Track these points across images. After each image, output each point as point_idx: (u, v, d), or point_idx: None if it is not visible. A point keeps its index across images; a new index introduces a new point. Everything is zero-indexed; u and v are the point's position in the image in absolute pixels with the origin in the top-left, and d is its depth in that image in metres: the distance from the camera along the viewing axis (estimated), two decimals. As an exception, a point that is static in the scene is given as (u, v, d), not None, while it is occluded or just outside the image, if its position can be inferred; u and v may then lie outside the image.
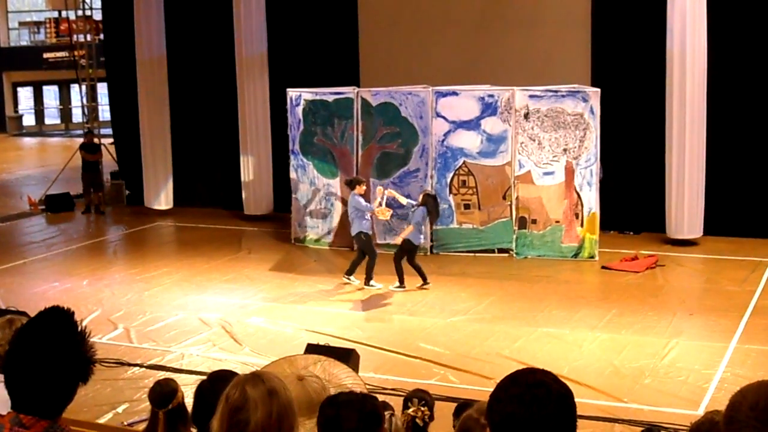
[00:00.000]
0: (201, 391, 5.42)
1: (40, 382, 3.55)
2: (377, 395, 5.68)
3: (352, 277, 17.46)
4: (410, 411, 6.59)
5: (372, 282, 17.27)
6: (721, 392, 11.71)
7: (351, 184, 17.78)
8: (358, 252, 17.76)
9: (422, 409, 6.67)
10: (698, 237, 19.81)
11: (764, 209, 19.96)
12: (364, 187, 17.86)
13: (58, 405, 3.62)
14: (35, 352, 3.57)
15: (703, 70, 19.43)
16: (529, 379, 3.10)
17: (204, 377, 5.69)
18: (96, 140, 26.65)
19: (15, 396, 3.60)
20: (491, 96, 19.41)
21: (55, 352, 3.57)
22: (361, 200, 17.50)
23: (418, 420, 6.53)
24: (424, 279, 17.18)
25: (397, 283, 17.13)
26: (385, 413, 5.09)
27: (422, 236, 17.65)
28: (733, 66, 20.00)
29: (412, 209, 17.36)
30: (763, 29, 19.81)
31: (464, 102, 19.56)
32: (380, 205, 17.85)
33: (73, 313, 3.73)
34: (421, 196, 17.63)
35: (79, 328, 3.67)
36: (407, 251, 17.16)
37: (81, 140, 27.69)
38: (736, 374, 12.47)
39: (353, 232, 17.69)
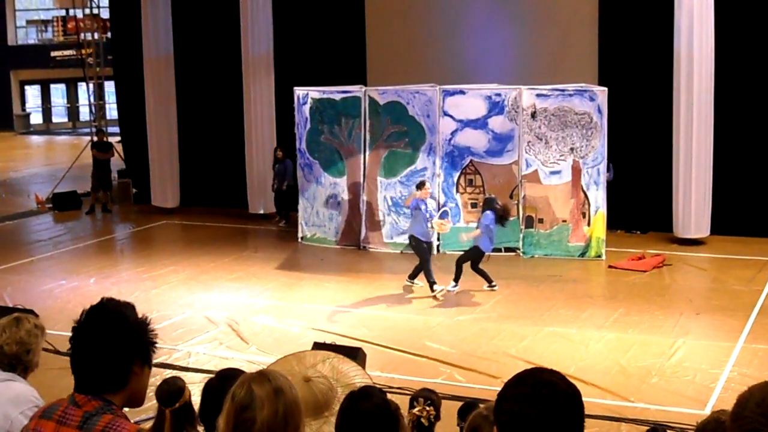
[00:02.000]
0: (209, 389, 5.43)
1: (95, 362, 3.86)
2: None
3: (415, 281, 17.15)
4: (416, 410, 6.58)
5: (435, 287, 16.60)
6: (728, 392, 11.70)
7: (416, 186, 17.38)
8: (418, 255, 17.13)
9: (428, 408, 6.65)
10: (705, 236, 19.79)
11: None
12: (429, 190, 17.38)
13: (114, 383, 3.90)
14: (95, 333, 3.90)
15: (710, 70, 19.41)
16: (537, 378, 3.10)
17: (211, 375, 5.70)
18: (106, 139, 26.68)
19: (76, 375, 3.92)
20: (498, 95, 19.41)
21: (112, 333, 3.90)
22: (422, 205, 16.87)
23: (423, 420, 6.52)
24: (489, 281, 17.06)
25: (453, 283, 17.00)
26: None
27: (492, 243, 17.15)
28: (740, 65, 19.98)
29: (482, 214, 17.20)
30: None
31: (471, 101, 19.56)
32: (441, 217, 17.46)
33: (131, 305, 4.11)
34: (483, 202, 17.56)
35: (139, 315, 4.05)
36: (473, 257, 17.01)
37: (88, 138, 27.72)
38: (742, 374, 12.46)
39: (408, 232, 17.55)
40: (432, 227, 17.12)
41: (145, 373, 3.99)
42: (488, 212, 16.92)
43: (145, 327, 4.02)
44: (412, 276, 17.20)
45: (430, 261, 16.90)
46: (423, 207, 16.87)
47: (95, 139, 26.85)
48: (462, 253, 17.39)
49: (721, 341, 13.93)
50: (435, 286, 16.57)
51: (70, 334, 3.96)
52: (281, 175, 22.50)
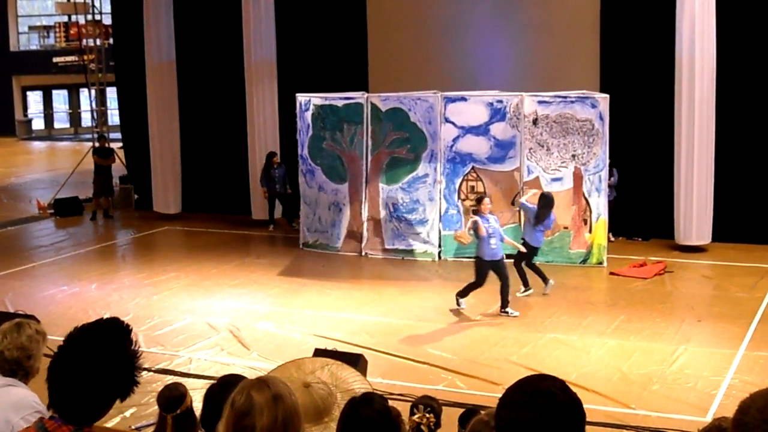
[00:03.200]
0: (210, 395, 5.43)
1: (79, 391, 3.66)
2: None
3: (461, 301, 16.31)
4: (416, 417, 6.58)
5: (460, 301, 16.22)
6: (729, 399, 11.69)
7: (476, 201, 16.95)
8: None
9: (428, 416, 6.65)
10: (707, 243, 19.78)
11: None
12: (488, 205, 16.33)
13: (91, 415, 3.74)
14: (84, 361, 3.69)
15: (712, 77, 19.42)
16: (537, 386, 3.11)
17: (212, 381, 5.70)
18: (108, 145, 26.71)
19: (52, 396, 3.72)
20: (500, 102, 19.41)
21: (103, 365, 3.69)
22: (484, 222, 15.84)
23: (423, 427, 6.52)
24: (526, 284, 17.11)
25: (522, 288, 16.99)
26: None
27: (542, 237, 17.22)
28: (742, 72, 19.98)
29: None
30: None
31: (473, 107, 19.56)
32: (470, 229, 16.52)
33: (130, 329, 3.86)
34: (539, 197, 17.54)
35: (132, 346, 3.78)
36: (525, 254, 16.98)
37: (90, 144, 27.72)
38: (744, 381, 12.44)
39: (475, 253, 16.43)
40: (456, 237, 16.95)
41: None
42: (532, 208, 17.20)
43: (136, 362, 3.83)
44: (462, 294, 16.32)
45: (480, 285, 16.04)
46: (485, 225, 15.89)
47: (97, 145, 26.84)
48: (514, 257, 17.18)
49: (723, 348, 13.92)
50: (460, 301, 16.18)
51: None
52: (282, 180, 22.52)
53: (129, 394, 3.80)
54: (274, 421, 3.69)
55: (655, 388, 12.43)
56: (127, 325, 3.87)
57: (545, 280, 17.07)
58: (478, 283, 16.02)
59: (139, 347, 3.82)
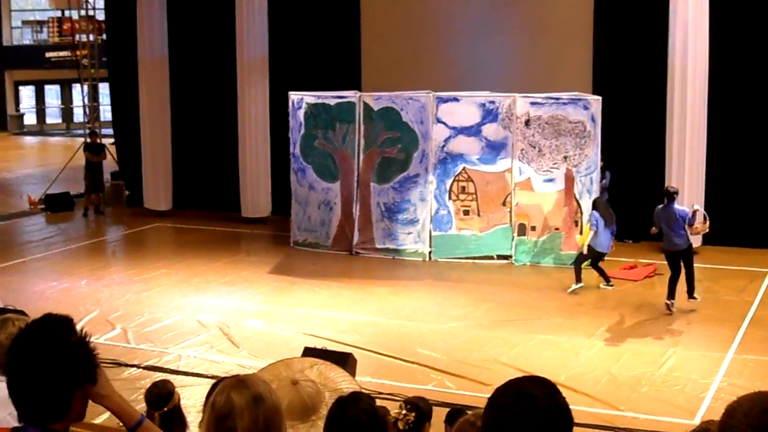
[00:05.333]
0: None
1: (34, 390, 3.55)
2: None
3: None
4: (394, 412, 6.57)
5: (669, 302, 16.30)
6: (718, 402, 11.70)
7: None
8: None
9: (407, 413, 6.65)
10: (697, 246, 19.77)
11: (763, 219, 19.96)
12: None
13: (56, 411, 3.62)
14: (28, 362, 3.57)
15: (704, 80, 19.45)
16: (521, 389, 3.11)
17: (201, 379, 5.69)
18: (99, 140, 26.68)
19: (15, 403, 3.62)
20: (492, 102, 19.42)
21: (47, 359, 3.56)
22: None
23: (400, 423, 6.50)
24: (607, 280, 17.46)
25: (575, 285, 17.25)
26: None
27: (608, 242, 17.41)
28: (734, 76, 20.01)
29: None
30: (765, 41, 19.82)
31: (465, 108, 19.56)
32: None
33: (68, 319, 3.71)
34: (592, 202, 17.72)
35: (76, 334, 3.67)
36: (591, 257, 17.35)
37: (82, 140, 27.66)
38: (733, 384, 12.47)
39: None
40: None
41: (87, 395, 3.68)
42: (594, 212, 17.28)
43: (86, 345, 3.67)
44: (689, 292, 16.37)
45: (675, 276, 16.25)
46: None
47: (88, 140, 26.79)
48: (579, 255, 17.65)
49: (712, 351, 13.95)
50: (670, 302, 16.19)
51: None
52: None
53: (93, 380, 3.67)
54: (254, 422, 3.68)
55: (644, 390, 12.46)
56: (66, 316, 3.77)
57: (608, 281, 17.44)
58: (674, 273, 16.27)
59: (86, 335, 3.70)
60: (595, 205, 17.56)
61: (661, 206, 16.40)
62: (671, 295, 16.09)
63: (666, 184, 17.63)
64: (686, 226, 16.07)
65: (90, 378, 3.65)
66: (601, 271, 17.48)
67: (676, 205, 16.20)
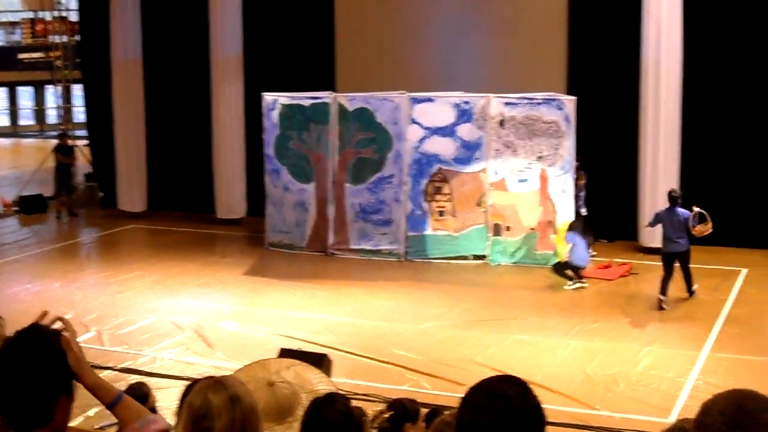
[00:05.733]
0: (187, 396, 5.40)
1: (19, 396, 3.59)
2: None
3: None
4: (371, 411, 6.58)
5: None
6: (693, 400, 11.74)
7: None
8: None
9: (383, 411, 6.66)
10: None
11: (737, 218, 20.02)
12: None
13: (39, 417, 3.63)
14: (14, 368, 3.61)
15: (678, 80, 19.53)
16: (493, 389, 3.12)
17: (177, 381, 5.67)
18: (70, 142, 26.55)
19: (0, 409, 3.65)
20: (467, 103, 19.43)
21: (33, 367, 3.61)
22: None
23: (375, 422, 6.51)
24: (569, 279, 17.71)
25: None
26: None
27: (585, 255, 17.81)
28: (707, 75, 20.07)
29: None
30: (738, 39, 19.91)
31: (439, 108, 19.57)
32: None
33: (54, 332, 3.80)
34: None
35: (61, 345, 3.73)
36: (568, 267, 17.76)
37: (56, 142, 27.51)
38: (707, 382, 12.52)
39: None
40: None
41: (69, 404, 3.74)
42: (569, 233, 17.83)
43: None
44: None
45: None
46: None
47: (58, 142, 26.63)
48: None
49: (687, 350, 14.01)
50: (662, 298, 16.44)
51: None
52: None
53: (73, 388, 3.71)
54: (231, 423, 3.68)
55: (619, 390, 12.50)
56: (54, 330, 3.81)
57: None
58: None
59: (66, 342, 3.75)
60: (571, 227, 17.91)
61: (664, 209, 16.76)
62: (664, 292, 16.29)
63: (670, 188, 17.50)
64: (689, 228, 16.25)
65: (69, 387, 3.70)
66: (563, 274, 17.67)
67: (679, 209, 16.40)
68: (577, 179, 19.36)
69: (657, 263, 18.94)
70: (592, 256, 18.53)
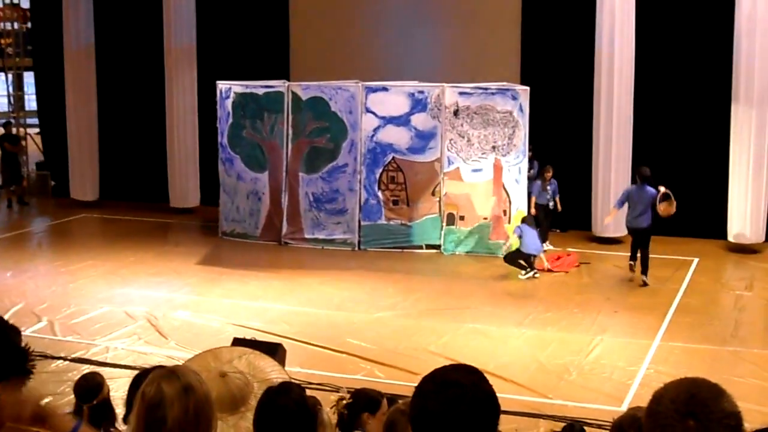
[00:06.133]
0: (136, 385, 5.39)
1: None
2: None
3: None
4: (332, 397, 6.60)
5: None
6: (645, 389, 11.83)
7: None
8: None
9: (342, 398, 6.68)
10: (623, 236, 19.97)
11: (689, 208, 20.16)
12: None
13: None
14: None
15: (631, 70, 19.66)
16: (446, 377, 3.13)
17: (130, 370, 5.66)
18: (16, 131, 26.31)
19: None
20: (421, 92, 19.44)
21: None
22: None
23: (332, 409, 6.52)
24: (523, 268, 17.81)
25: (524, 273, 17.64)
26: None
27: (535, 244, 17.88)
28: (660, 66, 20.21)
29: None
30: (690, 31, 20.05)
31: (394, 98, 19.57)
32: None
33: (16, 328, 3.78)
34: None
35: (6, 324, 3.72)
36: (520, 256, 17.87)
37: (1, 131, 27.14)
38: (659, 371, 12.62)
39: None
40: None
41: (14, 392, 3.71)
42: (520, 225, 18.00)
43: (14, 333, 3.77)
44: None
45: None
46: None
47: (2, 131, 26.31)
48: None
49: (639, 339, 14.11)
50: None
51: None
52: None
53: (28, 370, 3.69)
54: (185, 412, 3.67)
55: (572, 378, 12.57)
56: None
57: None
58: None
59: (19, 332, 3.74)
60: (524, 220, 18.18)
61: (634, 186, 17.38)
62: (633, 257, 17.32)
63: (640, 166, 17.77)
64: (655, 206, 16.77)
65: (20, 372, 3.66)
66: (517, 263, 17.77)
67: (648, 187, 16.95)
68: (544, 172, 19.52)
69: (609, 253, 19.22)
70: (545, 250, 18.56)
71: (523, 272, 17.62)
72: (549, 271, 18.08)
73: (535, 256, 17.75)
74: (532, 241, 17.68)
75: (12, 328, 3.82)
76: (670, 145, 20.33)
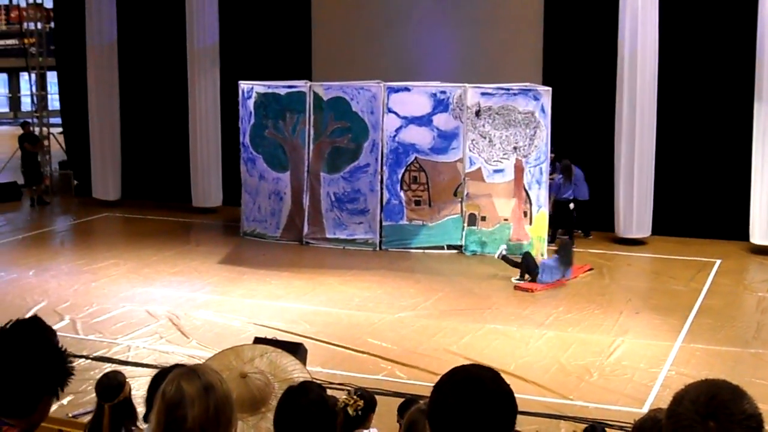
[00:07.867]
0: (156, 383, 5.40)
1: (10, 382, 3.57)
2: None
3: None
4: (343, 398, 6.59)
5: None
6: (666, 390, 11.78)
7: None
8: None
9: (356, 400, 6.67)
10: (646, 236, 19.96)
11: (711, 210, 20.14)
12: None
13: (22, 408, 3.61)
14: (10, 354, 3.60)
15: (654, 71, 19.58)
16: (467, 373, 3.15)
17: (151, 369, 5.67)
18: (37, 131, 26.43)
19: None
20: (443, 92, 19.43)
21: (34, 355, 3.61)
22: None
23: (350, 409, 6.52)
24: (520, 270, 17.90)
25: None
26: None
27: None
28: (683, 67, 20.15)
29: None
30: (713, 31, 19.98)
31: (416, 98, 19.56)
32: None
33: (52, 330, 3.82)
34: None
35: (56, 340, 3.74)
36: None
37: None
38: (680, 373, 12.56)
39: None
40: None
41: (51, 403, 3.72)
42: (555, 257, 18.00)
43: (65, 357, 3.74)
44: None
45: None
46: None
47: (23, 131, 26.43)
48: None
49: (660, 340, 14.05)
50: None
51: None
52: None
53: (59, 391, 3.70)
54: (205, 411, 3.68)
55: (593, 380, 12.52)
56: (46, 324, 3.83)
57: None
58: None
59: (66, 349, 3.74)
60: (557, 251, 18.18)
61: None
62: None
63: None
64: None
65: (56, 388, 3.69)
66: (514, 263, 17.69)
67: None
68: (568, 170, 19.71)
69: (632, 255, 19.17)
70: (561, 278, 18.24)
71: (516, 277, 17.47)
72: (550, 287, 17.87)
73: (535, 277, 17.59)
74: (547, 275, 17.41)
75: (51, 330, 3.83)
76: (692, 145, 20.28)
